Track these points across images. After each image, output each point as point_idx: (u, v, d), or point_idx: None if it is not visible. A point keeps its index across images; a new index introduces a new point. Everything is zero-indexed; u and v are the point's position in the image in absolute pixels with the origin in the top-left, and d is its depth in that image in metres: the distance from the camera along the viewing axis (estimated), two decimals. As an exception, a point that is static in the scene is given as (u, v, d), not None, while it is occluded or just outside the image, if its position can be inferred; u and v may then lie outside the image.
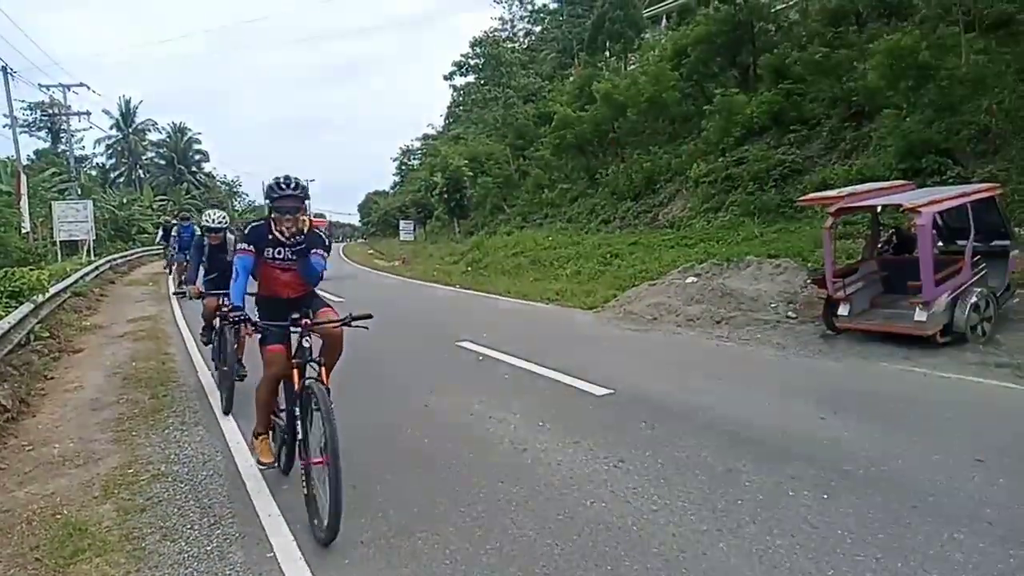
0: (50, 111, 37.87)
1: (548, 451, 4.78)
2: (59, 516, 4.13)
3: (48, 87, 32.34)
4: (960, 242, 8.22)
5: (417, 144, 60.86)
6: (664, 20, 36.86)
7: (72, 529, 3.91)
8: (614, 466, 4.44)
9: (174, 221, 21.25)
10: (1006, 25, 15.43)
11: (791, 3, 24.37)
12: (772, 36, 21.29)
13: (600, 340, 9.13)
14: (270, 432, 4.48)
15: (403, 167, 63.70)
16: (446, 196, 33.27)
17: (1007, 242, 8.50)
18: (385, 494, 4.17)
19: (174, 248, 15.80)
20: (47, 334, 10.10)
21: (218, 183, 65.22)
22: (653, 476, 4.26)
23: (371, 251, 41.26)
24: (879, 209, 8.79)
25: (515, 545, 3.48)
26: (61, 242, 25.11)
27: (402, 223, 40.84)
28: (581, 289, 13.70)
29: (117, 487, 4.51)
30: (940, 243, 8.58)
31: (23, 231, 22.66)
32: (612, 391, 6.24)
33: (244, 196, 71.58)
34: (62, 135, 41.35)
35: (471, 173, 32.93)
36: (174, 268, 19.76)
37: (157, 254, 22.04)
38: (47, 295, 11.03)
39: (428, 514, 3.86)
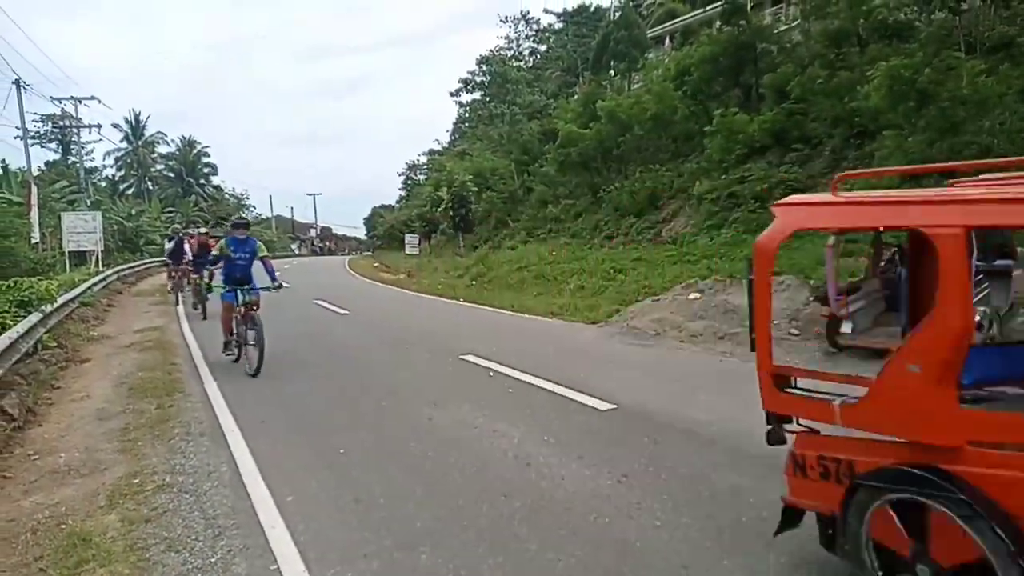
0: (61, 123, 38.24)
1: (551, 465, 4.80)
2: (64, 526, 4.15)
3: (60, 100, 32.81)
4: (963, 261, 8.24)
5: (423, 159, 61.26)
6: (668, 40, 37.22)
7: (77, 539, 3.93)
8: (617, 481, 4.46)
9: (205, 231, 18.06)
10: (1007, 47, 15.55)
11: (793, 24, 24.61)
12: (775, 57, 21.49)
13: (603, 355, 9.14)
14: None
15: (409, 182, 64.03)
16: (451, 211, 33.42)
17: (1010, 261, 8.52)
18: (388, 508, 4.19)
19: (204, 277, 11.50)
20: (55, 344, 10.16)
21: (226, 196, 65.51)
22: (656, 492, 4.27)
23: (376, 264, 41.33)
24: (881, 228, 8.83)
25: (518, 560, 3.49)
26: (70, 252, 25.26)
27: (407, 237, 40.92)
28: (585, 304, 13.72)
29: (122, 497, 4.54)
30: (943, 262, 8.60)
31: (33, 241, 22.83)
32: (615, 406, 6.25)
33: (251, 209, 71.92)
34: (72, 147, 41.75)
35: (476, 188, 33.11)
36: (185, 299, 15.76)
37: (166, 264, 17.71)
38: (55, 305, 11.10)
39: (431, 528, 3.88)
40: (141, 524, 4.12)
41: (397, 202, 69.22)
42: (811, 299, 9.86)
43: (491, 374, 7.99)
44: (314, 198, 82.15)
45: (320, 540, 3.79)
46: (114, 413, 6.74)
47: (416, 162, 63.14)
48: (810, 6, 20.83)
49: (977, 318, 7.31)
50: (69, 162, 44.67)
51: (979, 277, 7.89)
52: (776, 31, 23.65)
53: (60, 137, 47.17)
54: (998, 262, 8.48)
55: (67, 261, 24.75)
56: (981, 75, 13.98)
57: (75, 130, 35.40)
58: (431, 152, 59.63)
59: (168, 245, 16.90)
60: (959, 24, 16.18)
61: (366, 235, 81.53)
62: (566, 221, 26.61)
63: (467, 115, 53.13)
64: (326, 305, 15.99)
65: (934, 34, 16.81)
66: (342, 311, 14.61)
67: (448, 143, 57.88)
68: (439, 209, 35.53)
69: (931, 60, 13.66)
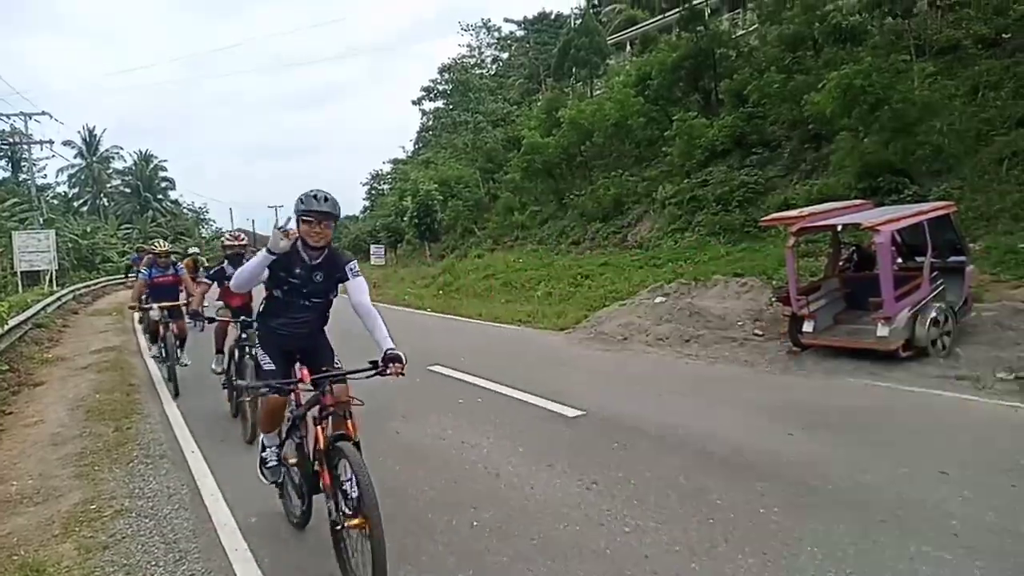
0: (10, 140, 37.14)
1: (521, 475, 4.77)
2: (16, 557, 3.99)
3: (8, 116, 31.85)
4: (918, 259, 8.46)
5: (387, 168, 60.80)
6: (628, 47, 37.65)
7: (29, 570, 3.77)
8: (587, 488, 4.44)
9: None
10: (954, 50, 16.06)
11: (750, 29, 25.09)
12: (733, 62, 21.85)
13: (571, 361, 9.16)
14: None
15: (373, 191, 63.53)
16: (417, 220, 33.27)
17: (963, 258, 8.76)
18: (356, 524, 4.10)
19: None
20: (6, 367, 9.80)
21: (185, 210, 64.28)
22: (626, 497, 4.26)
23: (341, 276, 40.84)
24: (839, 228, 9.01)
25: (489, 573, 3.45)
26: (22, 272, 24.51)
27: (373, 247, 40.59)
28: (552, 311, 13.74)
29: (78, 524, 4.37)
30: (899, 260, 8.81)
31: (-19, 262, 22.12)
32: (584, 412, 6.25)
33: (211, 223, 70.66)
34: (23, 164, 40.54)
35: (441, 197, 33.02)
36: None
37: (122, 283, 16.23)
38: (6, 327, 10.73)
39: (400, 544, 3.80)
40: (98, 552, 3.97)
41: (361, 212, 68.68)
42: (773, 300, 10.01)
43: (458, 384, 7.94)
44: (276, 210, 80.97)
45: (285, 561, 3.69)
46: (70, 437, 6.51)
47: (380, 172, 62.72)
48: (766, 11, 21.27)
49: (933, 314, 7.51)
50: (20, 179, 43.35)
51: (934, 274, 8.11)
52: (733, 36, 24.05)
53: (9, 154, 45.78)
54: (951, 259, 8.71)
55: (19, 281, 24.00)
56: (930, 78, 14.42)
57: (25, 147, 34.41)
58: (395, 161, 59.29)
59: (152, 275, 8.57)
60: (909, 28, 16.66)
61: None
62: (532, 228, 26.67)
63: (431, 123, 52.98)
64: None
65: (885, 39, 17.29)
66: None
67: (412, 152, 57.63)
68: (404, 218, 35.36)
69: (882, 65, 14.01)
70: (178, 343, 8.42)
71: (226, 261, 7.19)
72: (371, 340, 3.77)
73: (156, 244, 9.10)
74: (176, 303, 8.59)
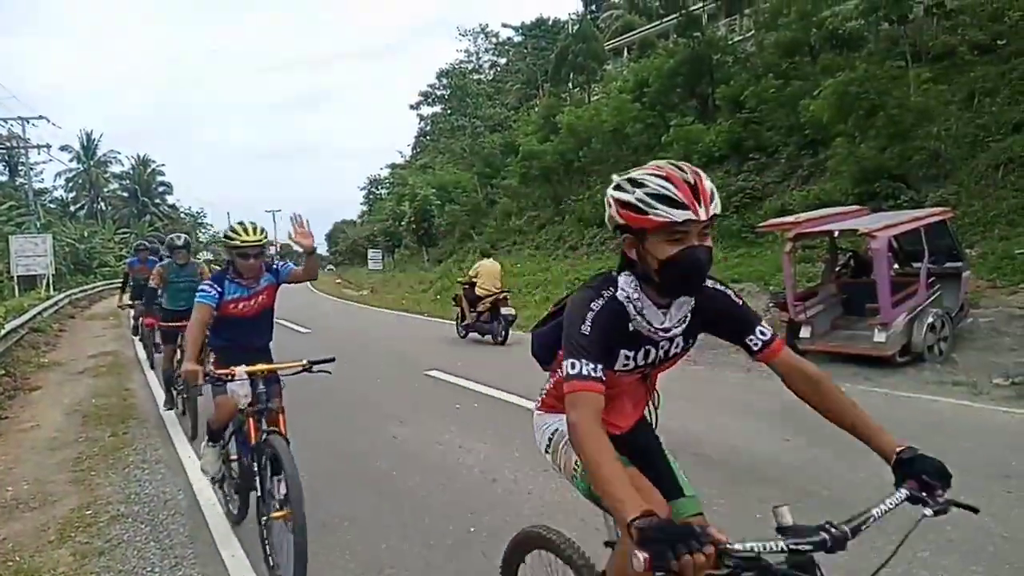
0: (7, 144, 37.10)
1: (518, 480, 4.76)
2: (11, 563, 3.97)
3: (5, 120, 31.82)
4: (915, 264, 8.48)
5: (385, 173, 61.01)
6: (626, 52, 37.78)
7: (25, 576, 3.76)
8: (584, 494, 4.43)
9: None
10: (950, 56, 16.13)
11: (747, 36, 25.17)
12: (729, 68, 21.92)
13: (569, 367, 9.13)
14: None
15: (371, 196, 63.64)
16: (414, 225, 33.30)
17: (959, 263, 8.79)
18: (353, 530, 4.10)
19: None
20: (3, 372, 9.78)
21: (182, 214, 64.26)
22: (623, 503, 4.25)
23: (339, 280, 40.87)
24: (836, 234, 9.04)
25: (485, 577, 3.44)
26: (19, 277, 24.48)
27: (371, 252, 40.72)
28: (550, 316, 13.71)
29: (74, 530, 4.36)
30: (896, 266, 8.84)
31: (-23, 267, 22.06)
32: (581, 418, 6.24)
33: (209, 227, 70.67)
34: (20, 168, 40.52)
35: (439, 202, 33.07)
36: None
37: (118, 288, 12.95)
38: (2, 332, 10.71)
39: (397, 549, 3.80)
40: (94, 557, 3.95)
41: (359, 217, 68.78)
42: (771, 305, 10.03)
43: (455, 388, 7.94)
44: (273, 215, 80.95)
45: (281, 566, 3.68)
46: (66, 442, 6.50)
47: (378, 176, 62.86)
48: (763, 17, 21.35)
49: (930, 320, 7.53)
50: (17, 183, 43.29)
51: (931, 279, 8.13)
52: (730, 42, 24.14)
53: (7, 158, 45.74)
54: (948, 264, 8.73)
55: (16, 286, 23.97)
56: (926, 83, 14.47)
57: (23, 151, 34.37)
58: (393, 166, 59.45)
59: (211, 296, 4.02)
60: (905, 34, 16.73)
61: (328, 251, 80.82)
62: (530, 233, 26.70)
63: (428, 128, 53.21)
64: (287, 324, 15.71)
65: (881, 45, 17.36)
66: (304, 330, 14.40)
67: (410, 156, 57.75)
68: (402, 223, 35.43)
69: (877, 71, 14.05)
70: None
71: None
72: None
73: (240, 231, 3.95)
74: (275, 364, 4.09)
